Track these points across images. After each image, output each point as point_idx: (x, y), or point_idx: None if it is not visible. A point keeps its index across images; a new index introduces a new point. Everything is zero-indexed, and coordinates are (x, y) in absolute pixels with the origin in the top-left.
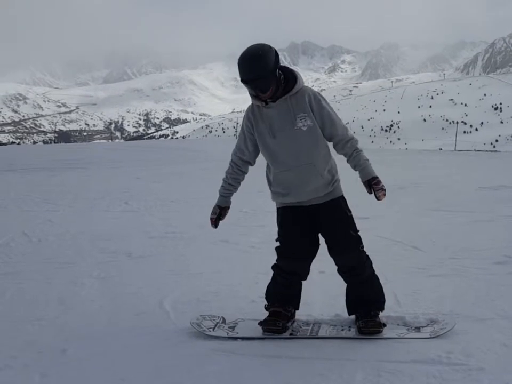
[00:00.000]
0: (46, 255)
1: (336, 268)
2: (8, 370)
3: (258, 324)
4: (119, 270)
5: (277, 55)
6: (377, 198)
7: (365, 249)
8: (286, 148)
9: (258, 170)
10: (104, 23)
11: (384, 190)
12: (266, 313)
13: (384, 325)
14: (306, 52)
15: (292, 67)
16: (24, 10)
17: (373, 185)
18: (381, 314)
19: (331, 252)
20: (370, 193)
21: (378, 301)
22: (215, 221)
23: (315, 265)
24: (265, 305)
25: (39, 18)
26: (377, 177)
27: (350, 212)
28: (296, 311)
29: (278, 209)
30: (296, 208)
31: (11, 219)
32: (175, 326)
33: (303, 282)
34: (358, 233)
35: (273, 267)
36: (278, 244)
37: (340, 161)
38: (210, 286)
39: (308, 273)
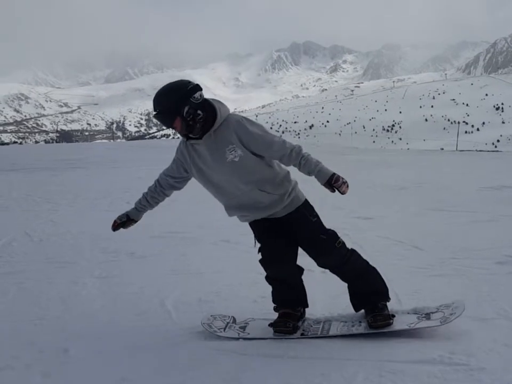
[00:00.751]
0: (48, 254)
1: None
2: (9, 370)
3: (269, 325)
4: (120, 270)
5: (188, 92)
6: (342, 193)
7: (343, 243)
8: (225, 181)
9: None
10: (106, 23)
11: (346, 182)
12: (273, 312)
13: (393, 316)
14: (308, 51)
15: (293, 67)
16: (26, 10)
17: (333, 184)
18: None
19: (311, 257)
20: (333, 191)
21: (381, 291)
22: (117, 226)
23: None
24: (274, 307)
25: (41, 18)
26: (334, 175)
27: (315, 216)
28: (306, 309)
29: (249, 224)
30: (261, 220)
31: (13, 219)
32: (176, 326)
33: (308, 281)
34: (331, 232)
35: (266, 278)
36: (260, 256)
37: None
38: (212, 286)
39: (299, 273)
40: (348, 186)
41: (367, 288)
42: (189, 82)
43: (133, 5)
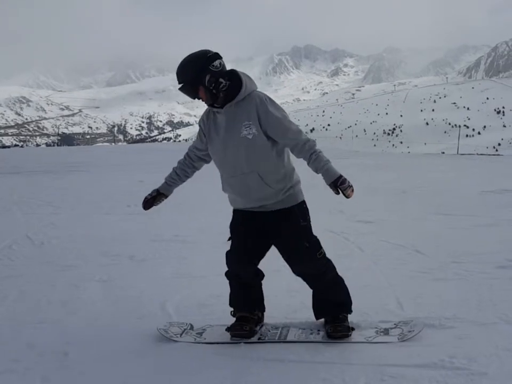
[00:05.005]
0: (49, 257)
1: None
2: (9, 374)
3: (226, 329)
4: (121, 273)
5: (208, 60)
6: (347, 197)
7: (324, 254)
8: (232, 155)
9: None
10: (108, 27)
11: (351, 186)
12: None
13: (353, 329)
14: (309, 55)
15: (295, 70)
16: (27, 14)
17: (339, 186)
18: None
19: (286, 261)
20: (338, 193)
21: (346, 303)
22: (148, 202)
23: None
24: (231, 312)
25: (42, 22)
26: (341, 177)
27: (306, 220)
28: (265, 314)
29: (233, 211)
30: (246, 212)
31: (14, 222)
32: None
33: (265, 283)
34: (315, 240)
35: (225, 274)
36: (228, 247)
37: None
38: (213, 289)
39: (260, 277)
40: (353, 190)
41: (333, 298)
42: (208, 51)
43: (135, 9)
